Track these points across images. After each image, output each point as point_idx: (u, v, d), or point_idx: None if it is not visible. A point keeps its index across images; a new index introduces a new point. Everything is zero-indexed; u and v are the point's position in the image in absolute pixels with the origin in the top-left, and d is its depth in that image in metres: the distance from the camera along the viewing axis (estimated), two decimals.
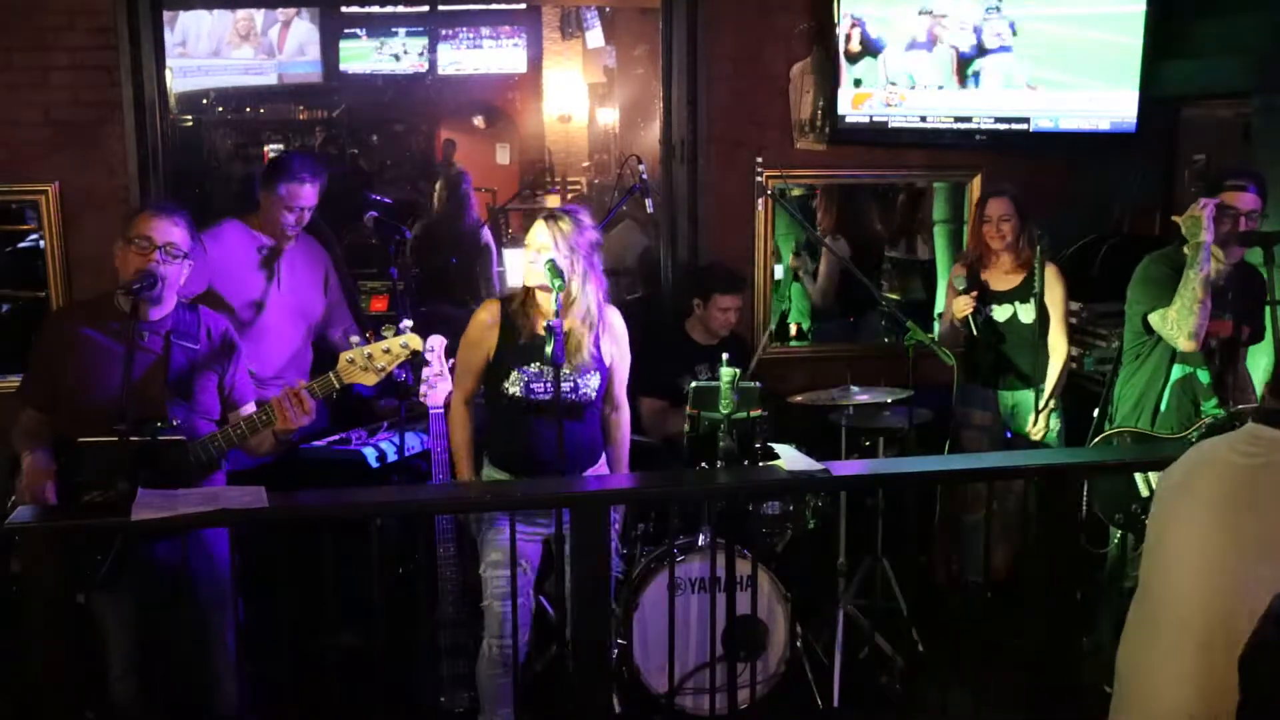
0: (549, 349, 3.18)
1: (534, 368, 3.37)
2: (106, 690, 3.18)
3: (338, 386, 3.04)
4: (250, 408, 3.24)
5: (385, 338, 3.05)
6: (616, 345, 3.53)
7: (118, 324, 3.09)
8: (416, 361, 3.33)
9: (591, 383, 3.44)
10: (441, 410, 3.53)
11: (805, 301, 5.92)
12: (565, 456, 3.27)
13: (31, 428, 3.18)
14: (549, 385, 3.31)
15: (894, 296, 5.76)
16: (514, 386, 3.38)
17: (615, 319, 3.54)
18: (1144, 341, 3.90)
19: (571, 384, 3.38)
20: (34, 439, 3.14)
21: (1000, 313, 4.43)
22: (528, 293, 3.42)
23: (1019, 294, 4.42)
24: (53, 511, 2.88)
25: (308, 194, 3.99)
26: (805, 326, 5.91)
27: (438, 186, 7.42)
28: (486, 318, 3.43)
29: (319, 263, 4.27)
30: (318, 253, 4.29)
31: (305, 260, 4.20)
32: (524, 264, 3.39)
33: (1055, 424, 4.45)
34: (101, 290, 3.32)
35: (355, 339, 3.10)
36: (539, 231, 3.36)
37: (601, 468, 3.59)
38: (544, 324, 3.26)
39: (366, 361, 3.01)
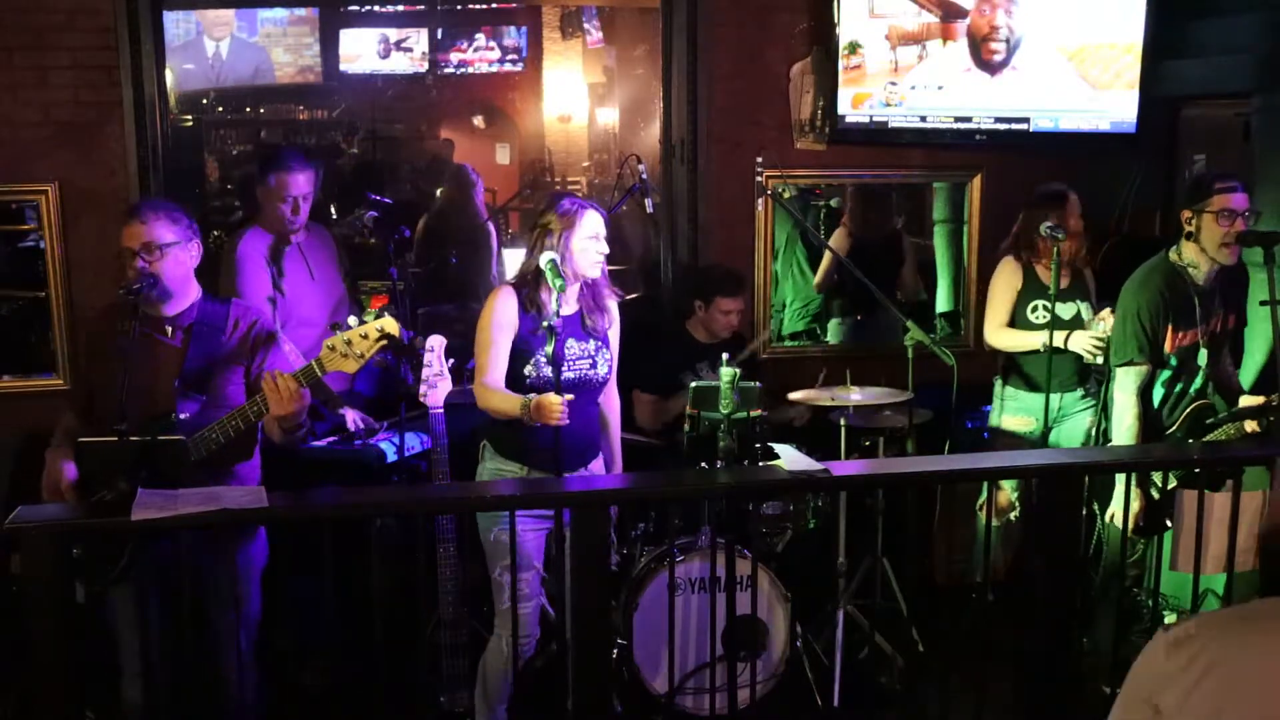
0: (549, 349, 3.24)
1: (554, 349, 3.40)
2: (119, 691, 3.19)
3: (320, 374, 3.04)
4: None
5: (365, 323, 3.05)
6: (614, 330, 3.62)
7: (141, 324, 3.11)
8: (395, 346, 3.29)
9: (607, 359, 3.54)
10: (441, 410, 3.53)
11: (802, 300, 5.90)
12: (581, 440, 3.38)
13: (65, 426, 3.23)
14: (577, 365, 3.43)
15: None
16: (538, 369, 3.40)
17: (612, 305, 3.61)
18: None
19: (590, 361, 3.48)
20: (64, 437, 3.18)
21: (1065, 311, 4.29)
22: (537, 278, 3.42)
23: (1078, 293, 4.36)
24: (53, 511, 2.88)
25: (299, 182, 4.11)
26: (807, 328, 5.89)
27: (444, 184, 7.46)
28: (509, 301, 3.43)
29: (331, 248, 4.46)
30: (328, 239, 4.49)
31: (322, 247, 4.37)
32: (591, 251, 3.43)
33: (1093, 420, 4.39)
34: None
35: (352, 319, 3.09)
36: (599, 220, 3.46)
37: (600, 463, 3.63)
38: (545, 324, 3.29)
39: (346, 348, 3.00)
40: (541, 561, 3.52)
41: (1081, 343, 4.18)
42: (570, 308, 3.46)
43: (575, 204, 3.46)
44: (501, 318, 3.42)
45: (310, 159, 4.25)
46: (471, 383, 3.51)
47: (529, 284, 3.43)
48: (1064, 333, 4.20)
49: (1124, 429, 3.86)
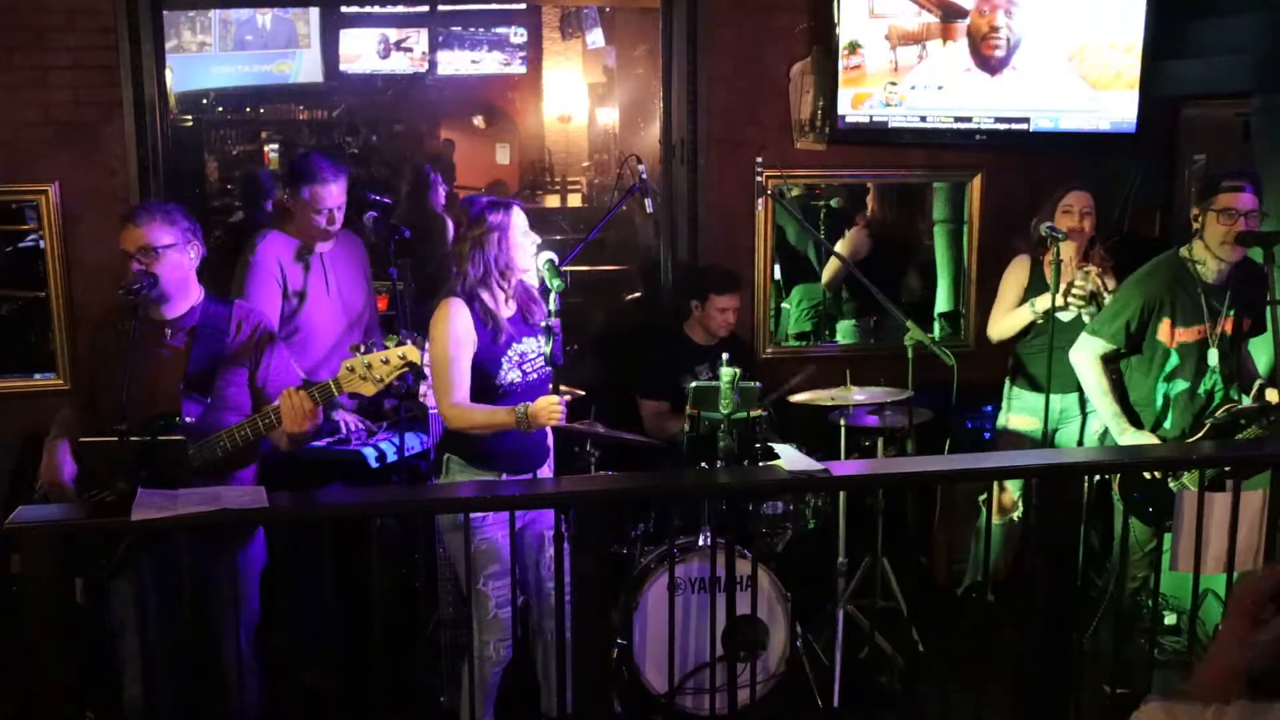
0: (548, 349, 3.27)
1: (521, 347, 3.41)
2: (119, 691, 3.18)
3: (336, 394, 3.05)
4: None
5: (387, 347, 3.05)
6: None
7: (143, 325, 3.12)
8: (416, 373, 3.33)
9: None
10: None
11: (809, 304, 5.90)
12: (544, 437, 3.37)
13: (61, 419, 3.24)
14: (535, 361, 3.44)
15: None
16: (509, 374, 3.40)
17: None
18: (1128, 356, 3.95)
19: (543, 355, 3.46)
20: (62, 429, 3.19)
21: (1065, 314, 4.23)
22: (485, 286, 3.38)
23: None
24: (53, 511, 2.88)
25: (334, 194, 4.02)
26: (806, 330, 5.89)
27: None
28: (463, 313, 3.36)
29: (361, 259, 4.34)
30: (359, 250, 4.36)
31: (348, 257, 4.26)
32: (526, 245, 3.42)
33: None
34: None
35: (366, 345, 3.09)
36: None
37: (551, 456, 3.63)
38: (544, 324, 3.32)
39: (366, 371, 3.01)
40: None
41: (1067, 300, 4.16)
42: (510, 309, 3.43)
43: (498, 205, 3.39)
44: (459, 333, 3.33)
45: (339, 164, 4.13)
46: None
47: (477, 295, 3.35)
48: (1060, 295, 4.14)
49: (1090, 384, 3.97)
